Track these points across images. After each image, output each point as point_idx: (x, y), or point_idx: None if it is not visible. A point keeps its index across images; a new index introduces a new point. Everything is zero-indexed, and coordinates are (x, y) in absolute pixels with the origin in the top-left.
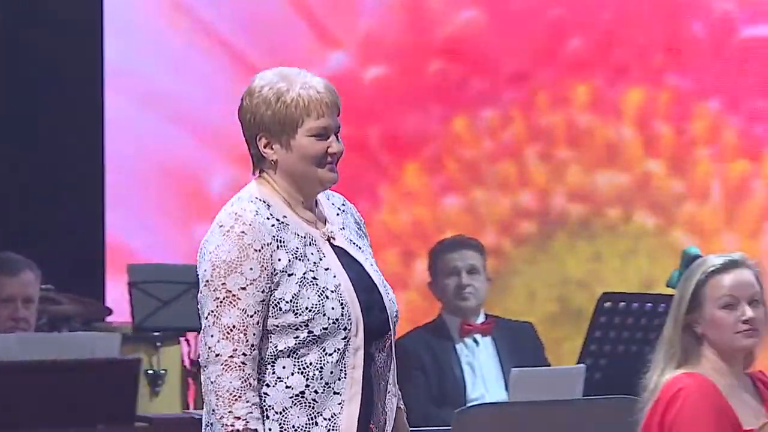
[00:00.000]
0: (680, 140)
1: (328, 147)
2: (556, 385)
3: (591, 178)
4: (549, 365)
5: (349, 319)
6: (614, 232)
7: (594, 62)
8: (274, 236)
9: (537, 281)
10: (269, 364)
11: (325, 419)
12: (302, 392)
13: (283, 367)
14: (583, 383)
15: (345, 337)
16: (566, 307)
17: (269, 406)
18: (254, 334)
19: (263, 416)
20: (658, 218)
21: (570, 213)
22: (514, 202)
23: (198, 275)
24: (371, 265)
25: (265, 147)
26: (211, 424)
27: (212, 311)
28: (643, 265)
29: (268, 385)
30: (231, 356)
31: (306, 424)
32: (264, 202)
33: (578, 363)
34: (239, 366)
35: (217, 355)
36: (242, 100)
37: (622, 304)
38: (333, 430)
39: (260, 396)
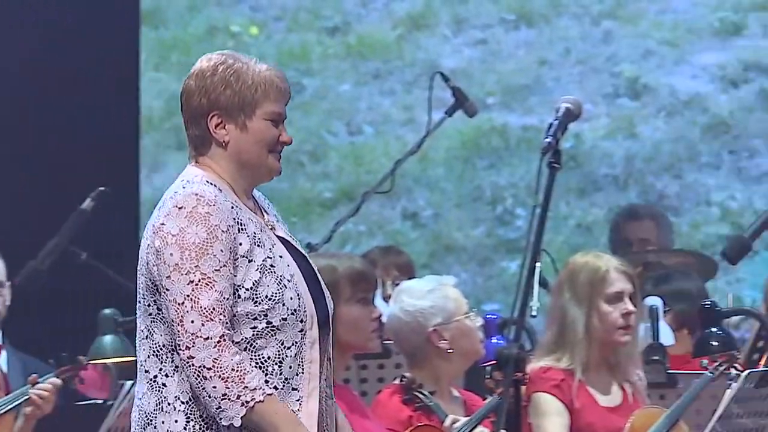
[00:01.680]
0: None
1: (280, 135)
2: None
3: None
4: None
5: (305, 311)
6: None
7: None
8: (234, 218)
9: None
10: None
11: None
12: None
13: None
14: None
15: (302, 330)
16: None
17: None
18: (230, 317)
19: None
20: None
21: None
22: None
23: (147, 259)
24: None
25: (216, 127)
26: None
27: (188, 296)
28: None
29: None
30: (222, 335)
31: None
32: (214, 185)
33: None
34: (230, 343)
35: (206, 339)
36: (186, 80)
37: None
38: None
39: None
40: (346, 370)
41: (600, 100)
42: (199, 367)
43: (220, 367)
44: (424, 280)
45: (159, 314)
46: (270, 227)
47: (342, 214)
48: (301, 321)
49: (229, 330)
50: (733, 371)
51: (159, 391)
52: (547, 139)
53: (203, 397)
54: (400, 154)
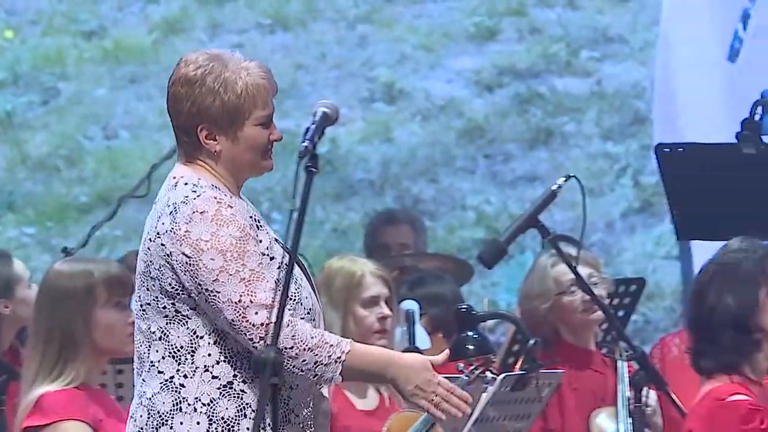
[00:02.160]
0: None
1: (270, 134)
2: None
3: None
4: None
5: (315, 309)
6: None
7: None
8: (251, 216)
9: None
10: (245, 359)
11: (296, 416)
12: (279, 389)
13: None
14: None
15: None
16: None
17: (246, 403)
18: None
19: (241, 414)
20: None
21: None
22: None
23: (169, 264)
24: None
25: (207, 138)
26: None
27: (243, 293)
28: None
29: (244, 382)
30: (291, 316)
31: (281, 422)
32: (218, 188)
33: None
34: (297, 318)
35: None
36: (173, 86)
37: None
38: (307, 428)
39: (238, 394)
40: (103, 375)
41: (356, 104)
42: (281, 349)
43: (302, 341)
44: None
45: (177, 316)
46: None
47: (98, 219)
48: (313, 320)
49: (290, 309)
50: (489, 375)
51: (176, 391)
52: (304, 144)
53: (296, 375)
54: (157, 159)
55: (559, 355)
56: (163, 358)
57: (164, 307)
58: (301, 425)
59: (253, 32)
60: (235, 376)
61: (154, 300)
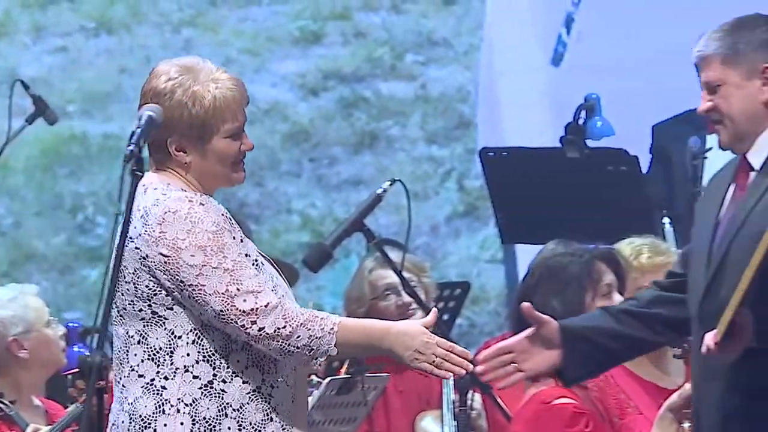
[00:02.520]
0: None
1: (241, 145)
2: None
3: None
4: None
5: None
6: None
7: None
8: (223, 214)
9: None
10: (222, 357)
11: (277, 414)
12: (259, 387)
13: (238, 361)
14: None
15: None
16: None
17: (227, 403)
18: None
19: (222, 414)
20: None
21: None
22: None
23: (147, 266)
24: None
25: (177, 150)
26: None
27: (229, 282)
28: None
29: (224, 381)
30: (279, 298)
31: (262, 420)
32: (186, 191)
33: None
34: (286, 300)
35: (266, 306)
36: (143, 97)
37: None
38: (287, 425)
39: (218, 393)
40: None
41: None
42: (274, 330)
43: (293, 318)
44: (4, 289)
45: (154, 317)
46: None
47: None
48: None
49: (276, 294)
50: (314, 378)
51: (158, 394)
52: (130, 147)
53: (293, 353)
54: None
55: (383, 359)
56: (143, 361)
57: (140, 310)
58: (281, 423)
59: (77, 35)
60: (214, 375)
61: (129, 304)
